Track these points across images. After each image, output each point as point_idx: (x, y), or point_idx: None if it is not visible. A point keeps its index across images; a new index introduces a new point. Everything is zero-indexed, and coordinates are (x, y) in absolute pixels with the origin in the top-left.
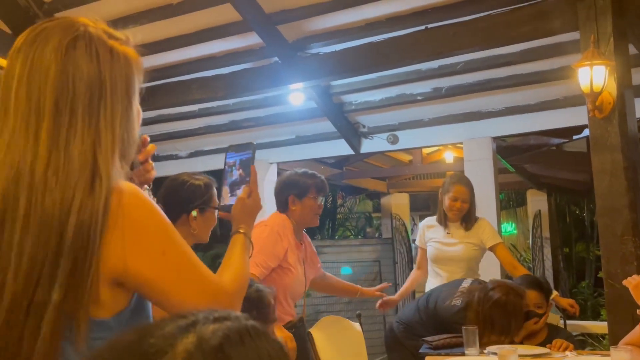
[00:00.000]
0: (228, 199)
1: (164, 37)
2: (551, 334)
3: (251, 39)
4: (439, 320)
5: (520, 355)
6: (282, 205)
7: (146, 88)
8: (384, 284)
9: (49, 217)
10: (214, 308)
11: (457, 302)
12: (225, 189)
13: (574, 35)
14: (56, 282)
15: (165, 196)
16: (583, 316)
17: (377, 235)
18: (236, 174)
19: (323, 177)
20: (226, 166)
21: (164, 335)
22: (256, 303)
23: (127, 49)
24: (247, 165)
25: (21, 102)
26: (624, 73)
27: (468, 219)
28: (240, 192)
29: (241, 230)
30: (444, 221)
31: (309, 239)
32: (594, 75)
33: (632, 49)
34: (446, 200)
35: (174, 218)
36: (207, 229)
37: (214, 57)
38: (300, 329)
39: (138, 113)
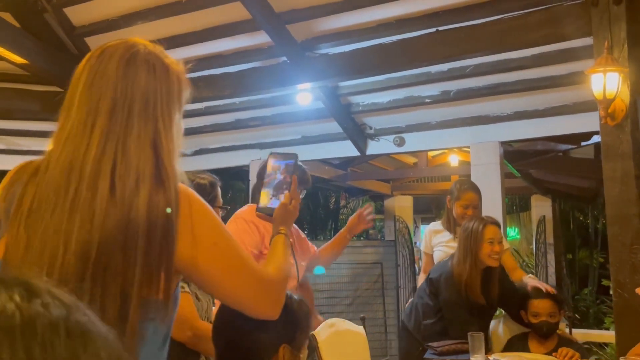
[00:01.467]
0: (268, 201)
1: (172, 34)
2: (561, 344)
3: (260, 38)
4: (435, 281)
5: None
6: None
7: None
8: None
9: (102, 202)
10: (261, 296)
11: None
12: (266, 191)
13: (586, 41)
14: (133, 264)
15: None
16: (585, 323)
17: (379, 237)
18: (280, 177)
19: (305, 167)
20: (271, 170)
21: None
22: (306, 316)
23: (180, 70)
24: (291, 171)
25: (82, 104)
26: (638, 80)
27: None
28: (282, 195)
29: (282, 232)
30: (452, 227)
31: (298, 230)
32: (607, 82)
33: None
34: (457, 208)
35: None
36: None
37: (222, 55)
38: None
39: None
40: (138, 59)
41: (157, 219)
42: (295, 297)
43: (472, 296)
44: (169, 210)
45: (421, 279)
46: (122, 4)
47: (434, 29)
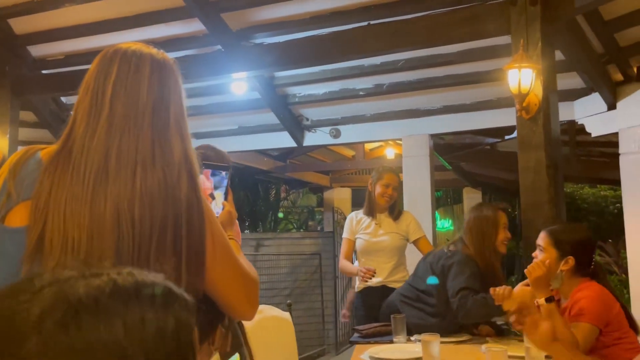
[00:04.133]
0: (220, 205)
1: (102, 19)
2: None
3: (194, 26)
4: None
5: (442, 342)
6: None
7: (82, 72)
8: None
9: (158, 190)
10: (251, 297)
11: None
12: (218, 194)
13: (507, 39)
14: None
15: None
16: None
17: (319, 228)
18: (216, 186)
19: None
20: (207, 179)
21: (27, 287)
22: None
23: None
24: (227, 182)
25: (119, 98)
26: (550, 77)
27: (395, 208)
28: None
29: (232, 237)
30: (373, 212)
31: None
32: (522, 78)
33: (559, 56)
34: (378, 188)
35: None
36: None
37: (154, 42)
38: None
39: None
40: (166, 66)
41: (193, 210)
42: None
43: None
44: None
45: (344, 265)
46: None
47: (365, 23)
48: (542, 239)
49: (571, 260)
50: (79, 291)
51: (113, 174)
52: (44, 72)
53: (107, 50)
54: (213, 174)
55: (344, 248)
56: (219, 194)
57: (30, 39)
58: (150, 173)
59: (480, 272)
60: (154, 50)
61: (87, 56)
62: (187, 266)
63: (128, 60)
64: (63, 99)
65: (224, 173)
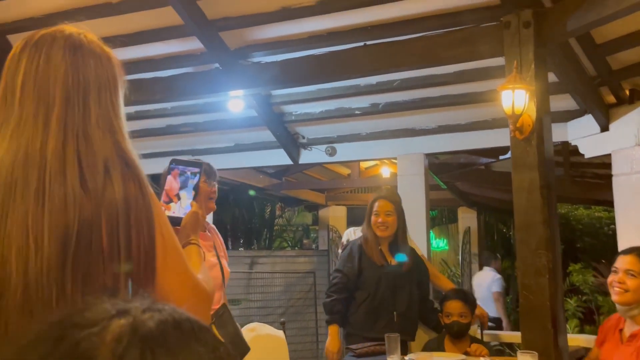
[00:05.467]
0: (174, 209)
1: (101, 36)
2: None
3: (192, 44)
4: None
5: None
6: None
7: None
8: None
9: (73, 195)
10: (193, 301)
11: None
12: (184, 194)
13: (500, 61)
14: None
15: None
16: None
17: (314, 246)
18: (185, 185)
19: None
20: (174, 177)
21: (95, 316)
22: None
23: (116, 57)
24: (197, 180)
25: (28, 95)
26: (543, 98)
27: None
28: (181, 203)
29: (194, 242)
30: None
31: (215, 229)
32: (516, 99)
33: (553, 78)
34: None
35: None
36: None
37: (153, 59)
38: (224, 315)
39: None
40: (84, 47)
41: (137, 208)
42: None
43: (374, 257)
44: (148, 196)
45: None
46: (48, 3)
47: (362, 43)
48: (633, 264)
49: None
50: (150, 326)
51: (20, 185)
52: None
53: (20, 42)
54: (181, 173)
55: None
56: (184, 195)
57: None
58: (61, 177)
59: (361, 254)
60: (73, 30)
61: None
62: (135, 273)
63: (39, 50)
64: None
65: (189, 172)
